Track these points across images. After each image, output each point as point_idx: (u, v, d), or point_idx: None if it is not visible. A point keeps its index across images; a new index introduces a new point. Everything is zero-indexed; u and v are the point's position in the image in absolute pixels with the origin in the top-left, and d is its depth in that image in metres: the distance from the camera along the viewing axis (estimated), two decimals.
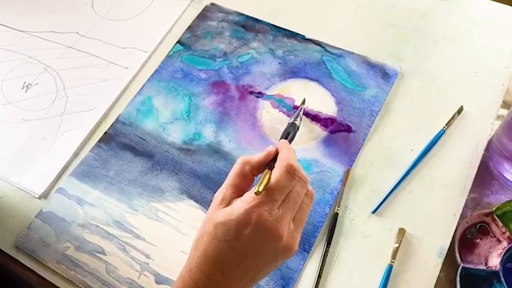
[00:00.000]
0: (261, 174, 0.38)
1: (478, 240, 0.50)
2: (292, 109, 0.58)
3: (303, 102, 0.55)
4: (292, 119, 0.49)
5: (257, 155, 0.40)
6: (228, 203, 0.38)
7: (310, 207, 0.39)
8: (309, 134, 0.56)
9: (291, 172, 0.37)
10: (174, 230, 0.52)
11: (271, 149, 0.40)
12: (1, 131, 0.62)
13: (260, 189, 0.35)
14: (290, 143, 0.44)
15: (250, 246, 0.36)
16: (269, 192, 0.36)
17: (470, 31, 0.62)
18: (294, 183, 0.37)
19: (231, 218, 0.36)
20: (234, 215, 0.36)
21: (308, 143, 0.56)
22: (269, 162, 0.40)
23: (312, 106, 0.58)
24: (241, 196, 0.37)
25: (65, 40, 0.69)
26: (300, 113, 0.50)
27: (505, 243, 0.48)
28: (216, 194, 0.39)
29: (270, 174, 0.37)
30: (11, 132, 0.61)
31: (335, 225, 0.50)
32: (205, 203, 0.53)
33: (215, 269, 0.36)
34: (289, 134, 0.46)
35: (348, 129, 0.56)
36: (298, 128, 0.48)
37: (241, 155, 0.55)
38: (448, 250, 0.48)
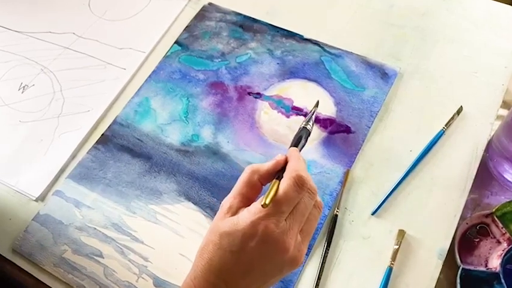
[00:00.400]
0: (269, 183, 0.38)
1: (478, 242, 0.49)
2: (291, 110, 0.58)
3: (317, 105, 0.51)
4: (304, 123, 0.47)
5: (266, 164, 0.39)
6: (234, 212, 0.37)
7: (319, 219, 0.39)
8: None
9: (299, 183, 0.36)
10: (172, 232, 0.52)
11: (280, 157, 0.39)
12: None
13: (267, 202, 0.34)
14: (301, 150, 0.43)
15: (255, 258, 0.35)
16: (276, 203, 0.35)
17: (470, 31, 0.61)
18: (302, 194, 0.36)
19: (237, 228, 0.35)
20: (240, 226, 0.35)
21: (307, 144, 0.55)
22: (278, 172, 0.39)
23: (311, 107, 0.57)
24: (249, 205, 0.37)
25: (61, 41, 0.68)
26: (313, 117, 0.48)
27: (505, 245, 0.48)
28: (223, 202, 0.38)
29: (278, 185, 0.36)
30: (7, 134, 0.61)
31: (335, 227, 0.50)
32: (203, 205, 0.53)
33: (219, 279, 0.35)
34: (300, 139, 0.44)
35: (347, 130, 0.56)
36: (310, 133, 0.46)
37: (240, 157, 0.56)
38: (448, 251, 0.48)
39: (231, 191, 0.39)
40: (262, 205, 0.34)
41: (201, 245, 0.38)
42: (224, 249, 0.35)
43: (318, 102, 0.52)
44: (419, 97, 0.57)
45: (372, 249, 0.49)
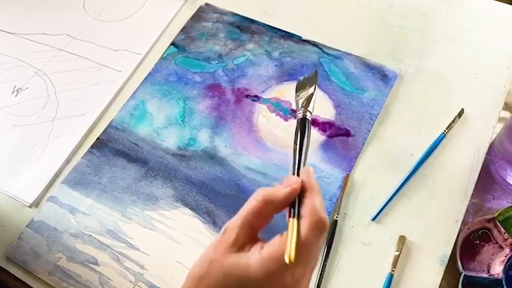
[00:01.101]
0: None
1: (480, 247, 0.49)
2: (290, 113, 0.57)
3: (315, 74, 0.40)
4: (301, 111, 0.38)
5: (280, 193, 0.33)
6: (240, 247, 0.32)
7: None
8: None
9: (322, 229, 0.31)
10: (169, 239, 0.51)
11: (295, 184, 0.33)
12: None
13: (292, 259, 0.30)
14: (307, 151, 0.37)
15: None
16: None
17: (470, 31, 0.60)
18: (320, 239, 0.32)
19: (249, 275, 0.31)
20: (252, 273, 0.31)
21: None
22: (293, 203, 0.33)
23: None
24: (255, 235, 0.33)
25: (56, 42, 0.67)
26: (312, 98, 0.38)
27: (507, 250, 0.47)
28: (226, 228, 0.33)
29: (299, 229, 0.31)
30: (0, 138, 0.60)
31: (334, 233, 0.49)
32: (200, 211, 0.52)
33: None
34: (302, 136, 0.36)
35: (347, 134, 0.55)
36: (310, 122, 0.38)
37: (237, 161, 0.55)
38: (450, 257, 0.47)
39: (238, 216, 0.33)
40: (287, 263, 0.30)
41: (197, 271, 0.33)
42: None
43: (316, 71, 0.41)
44: (420, 99, 0.56)
45: (373, 256, 0.48)
